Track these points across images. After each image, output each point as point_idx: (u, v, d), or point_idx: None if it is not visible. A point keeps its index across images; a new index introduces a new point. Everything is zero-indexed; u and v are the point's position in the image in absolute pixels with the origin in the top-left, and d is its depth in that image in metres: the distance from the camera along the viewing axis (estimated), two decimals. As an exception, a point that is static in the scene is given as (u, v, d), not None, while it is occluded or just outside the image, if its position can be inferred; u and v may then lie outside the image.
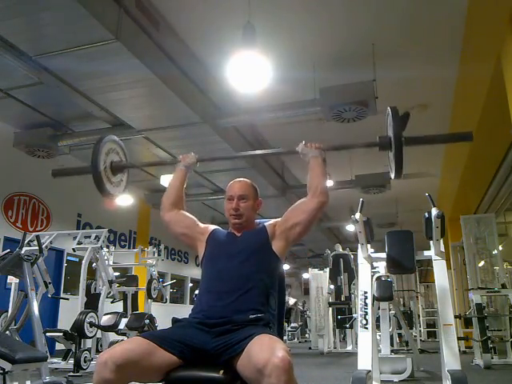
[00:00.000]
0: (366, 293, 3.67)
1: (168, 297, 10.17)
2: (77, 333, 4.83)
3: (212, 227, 1.97)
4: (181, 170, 2.12)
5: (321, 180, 1.87)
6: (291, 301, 9.30)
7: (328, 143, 2.05)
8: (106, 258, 6.19)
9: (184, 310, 8.55)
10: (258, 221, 2.02)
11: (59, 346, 5.94)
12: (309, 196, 1.85)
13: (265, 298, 1.70)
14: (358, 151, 7.60)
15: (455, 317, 5.14)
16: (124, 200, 8.72)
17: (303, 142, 2.01)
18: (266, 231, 1.85)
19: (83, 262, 5.47)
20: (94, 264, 5.77)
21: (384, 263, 4.89)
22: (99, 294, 5.85)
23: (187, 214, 2.02)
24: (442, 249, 3.67)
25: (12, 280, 4.87)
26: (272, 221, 1.92)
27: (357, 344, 3.71)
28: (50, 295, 4.76)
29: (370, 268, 3.87)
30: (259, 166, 7.60)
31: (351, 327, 8.24)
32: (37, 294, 4.30)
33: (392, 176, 2.02)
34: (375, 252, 4.25)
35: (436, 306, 4.08)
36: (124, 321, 5.38)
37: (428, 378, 4.74)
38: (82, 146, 7.04)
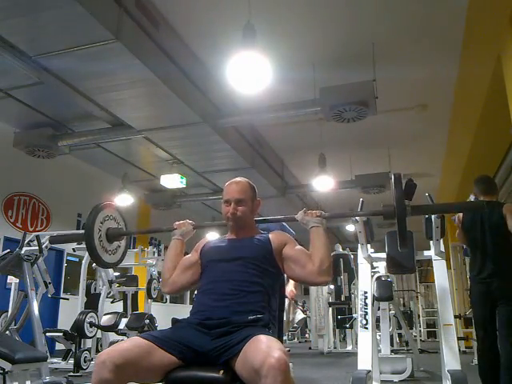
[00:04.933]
0: (366, 293, 3.67)
1: (168, 297, 10.16)
2: (77, 333, 4.83)
3: (203, 241, 1.94)
4: (177, 240, 2.00)
5: (324, 255, 1.75)
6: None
7: (329, 211, 1.91)
8: (105, 257, 6.18)
9: (184, 310, 8.56)
10: (260, 225, 2.01)
11: (59, 346, 5.94)
12: (315, 267, 1.72)
13: (265, 300, 1.70)
14: (358, 150, 7.62)
15: (455, 317, 5.13)
16: (124, 200, 8.71)
17: (303, 210, 1.90)
18: (271, 243, 1.81)
19: (83, 262, 5.48)
20: (94, 264, 5.76)
21: (384, 263, 4.88)
22: (99, 294, 5.84)
23: (180, 264, 1.91)
24: (442, 249, 3.67)
25: (12, 280, 4.85)
26: (277, 233, 1.89)
27: (357, 344, 3.71)
28: (49, 295, 4.74)
29: (370, 268, 3.87)
30: (259, 166, 7.59)
31: (351, 327, 8.24)
32: (37, 293, 4.28)
33: (398, 248, 1.94)
34: (375, 252, 4.25)
35: (436, 306, 4.08)
36: (124, 321, 5.38)
37: (428, 378, 4.74)
38: (81, 146, 7.06)
